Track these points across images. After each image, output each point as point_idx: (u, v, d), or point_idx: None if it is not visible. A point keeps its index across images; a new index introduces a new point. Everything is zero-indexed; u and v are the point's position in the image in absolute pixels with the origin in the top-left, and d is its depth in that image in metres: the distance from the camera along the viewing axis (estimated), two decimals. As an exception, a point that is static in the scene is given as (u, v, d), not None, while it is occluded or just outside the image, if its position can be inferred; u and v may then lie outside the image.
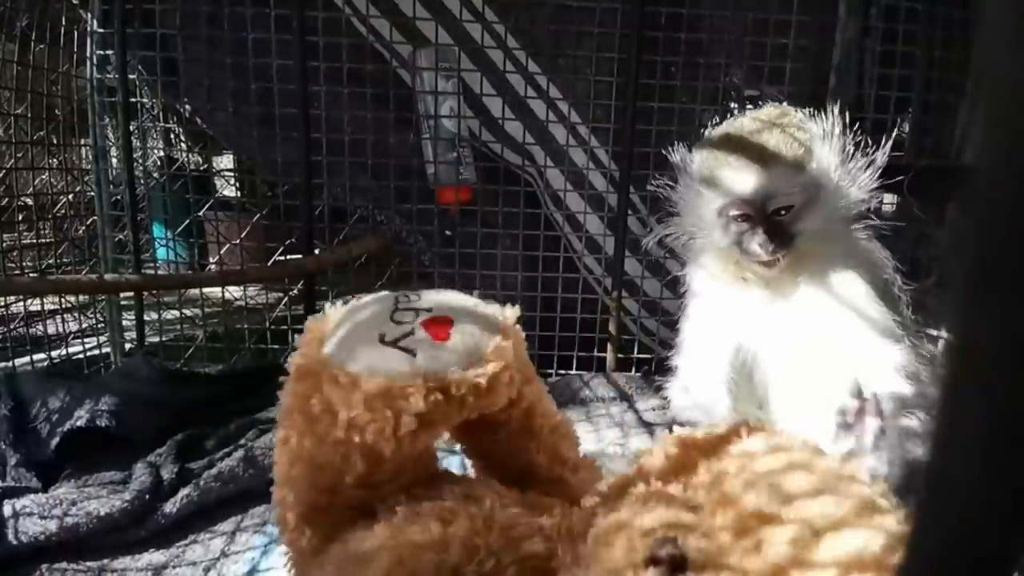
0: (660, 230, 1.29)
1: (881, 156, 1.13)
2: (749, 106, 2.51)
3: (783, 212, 1.09)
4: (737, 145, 1.12)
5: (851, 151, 1.13)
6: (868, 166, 1.13)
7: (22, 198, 2.07)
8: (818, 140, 1.11)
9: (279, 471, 0.75)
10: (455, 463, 1.53)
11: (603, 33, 2.08)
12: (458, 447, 1.57)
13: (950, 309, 0.23)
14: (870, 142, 1.14)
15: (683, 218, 1.23)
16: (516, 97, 2.18)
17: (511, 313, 0.79)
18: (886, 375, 0.99)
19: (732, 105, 2.40)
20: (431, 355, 0.67)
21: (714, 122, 1.22)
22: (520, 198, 2.19)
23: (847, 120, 1.14)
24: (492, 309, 0.77)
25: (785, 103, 1.22)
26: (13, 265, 1.98)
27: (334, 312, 0.76)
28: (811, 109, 1.18)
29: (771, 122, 1.12)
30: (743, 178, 1.10)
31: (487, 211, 2.23)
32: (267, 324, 2.30)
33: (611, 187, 2.22)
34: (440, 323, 0.70)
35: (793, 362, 1.10)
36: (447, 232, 2.22)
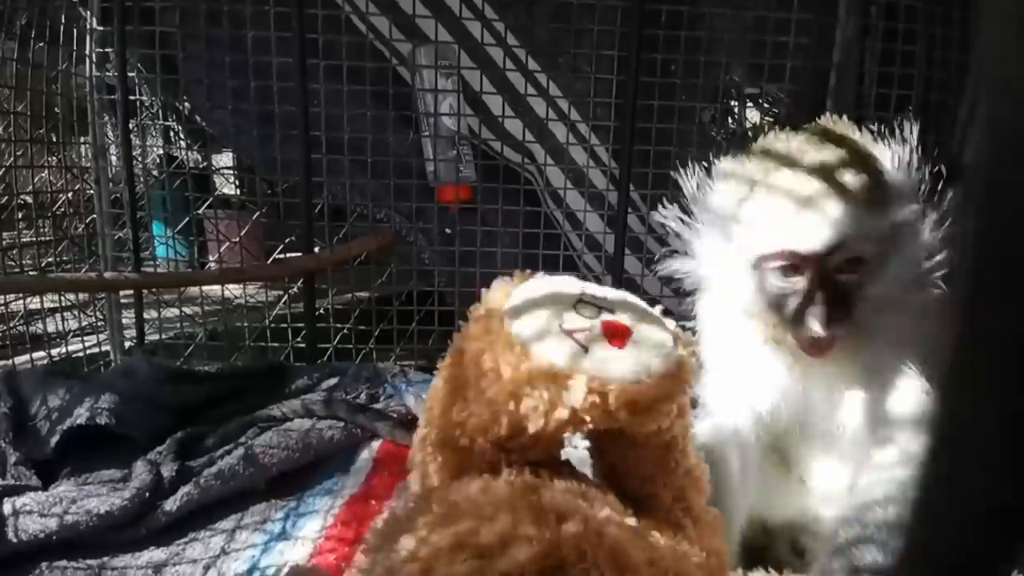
0: (664, 268, 1.01)
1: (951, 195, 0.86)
2: (749, 104, 2.53)
3: (852, 268, 0.80)
4: (788, 176, 0.82)
5: (926, 182, 0.86)
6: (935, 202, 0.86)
7: (21, 196, 2.07)
8: (895, 170, 0.85)
9: (430, 407, 0.82)
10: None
11: (603, 31, 2.08)
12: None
13: (949, 308, 0.23)
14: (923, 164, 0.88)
15: (698, 263, 0.95)
16: (516, 95, 2.18)
17: (689, 341, 0.77)
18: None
19: (732, 103, 2.40)
20: (602, 357, 0.69)
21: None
22: (520, 196, 2.19)
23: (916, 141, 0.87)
24: (672, 331, 0.76)
25: (830, 115, 0.98)
26: (12, 263, 1.98)
27: (521, 280, 0.85)
28: (876, 126, 0.91)
29: (832, 144, 0.84)
30: (802, 223, 0.80)
31: (487, 209, 2.23)
32: (267, 322, 2.30)
33: (611, 185, 2.22)
34: (619, 330, 0.71)
35: (820, 437, 0.90)
36: (447, 230, 2.21)
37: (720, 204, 0.91)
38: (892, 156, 0.86)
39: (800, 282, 0.82)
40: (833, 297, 0.79)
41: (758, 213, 0.85)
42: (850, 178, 0.81)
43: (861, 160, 0.82)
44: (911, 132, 0.88)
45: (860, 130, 0.91)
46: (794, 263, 0.82)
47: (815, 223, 0.79)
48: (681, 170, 0.99)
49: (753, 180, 0.86)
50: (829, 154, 0.83)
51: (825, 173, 0.80)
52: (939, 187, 0.87)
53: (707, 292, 0.97)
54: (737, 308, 0.91)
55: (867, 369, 0.83)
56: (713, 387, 0.93)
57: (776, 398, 0.89)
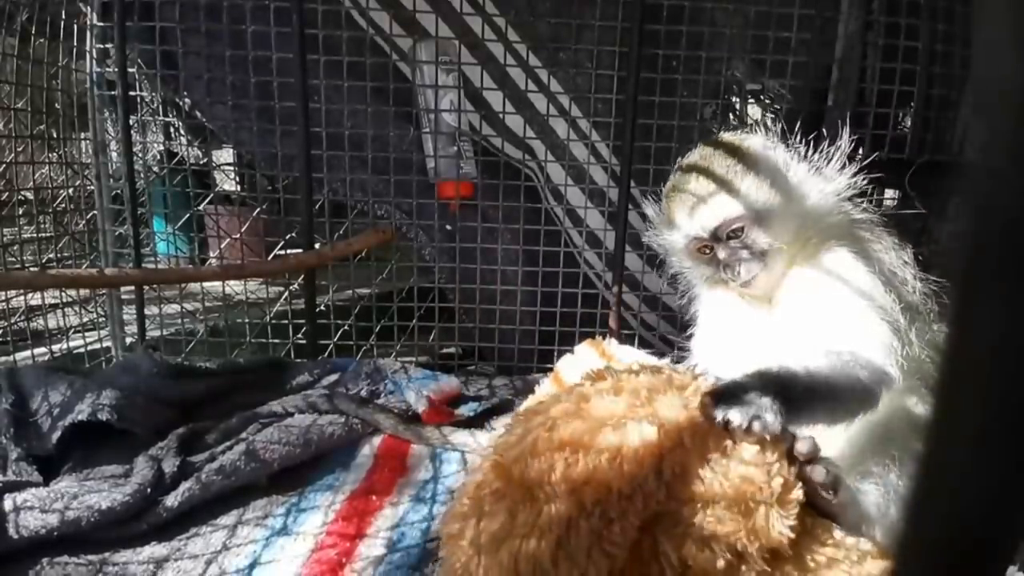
0: (666, 273, 1.37)
1: (846, 142, 1.17)
2: (750, 100, 2.53)
3: (738, 234, 1.15)
4: (680, 187, 1.21)
5: (803, 153, 1.19)
6: (830, 160, 1.17)
7: (22, 192, 2.07)
8: (755, 158, 1.16)
9: None
10: (455, 458, 1.54)
11: (604, 26, 2.07)
12: (457, 443, 1.58)
13: (949, 303, 0.23)
14: (824, 134, 1.19)
15: (672, 260, 1.32)
16: (517, 91, 2.17)
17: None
18: (870, 354, 1.01)
19: (734, 99, 2.40)
20: None
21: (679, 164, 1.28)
22: (520, 192, 2.19)
23: (794, 124, 1.20)
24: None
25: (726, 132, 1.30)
26: (13, 259, 1.99)
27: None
28: (752, 124, 1.22)
29: (705, 158, 1.21)
30: (689, 216, 1.18)
31: (487, 205, 2.23)
32: (268, 318, 2.30)
33: (612, 181, 2.22)
34: None
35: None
36: (447, 227, 2.21)
37: (661, 220, 1.27)
38: (756, 148, 1.17)
39: (713, 255, 1.19)
40: (732, 255, 1.15)
41: (673, 219, 1.21)
42: (714, 177, 1.16)
43: (723, 163, 1.17)
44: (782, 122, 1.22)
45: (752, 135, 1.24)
46: (702, 245, 1.19)
47: (695, 213, 1.17)
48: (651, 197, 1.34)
49: (668, 198, 1.23)
50: (705, 164, 1.19)
51: (697, 179, 1.18)
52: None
53: (690, 279, 1.32)
54: (703, 279, 1.27)
55: (797, 280, 1.15)
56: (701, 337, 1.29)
57: (756, 335, 1.19)
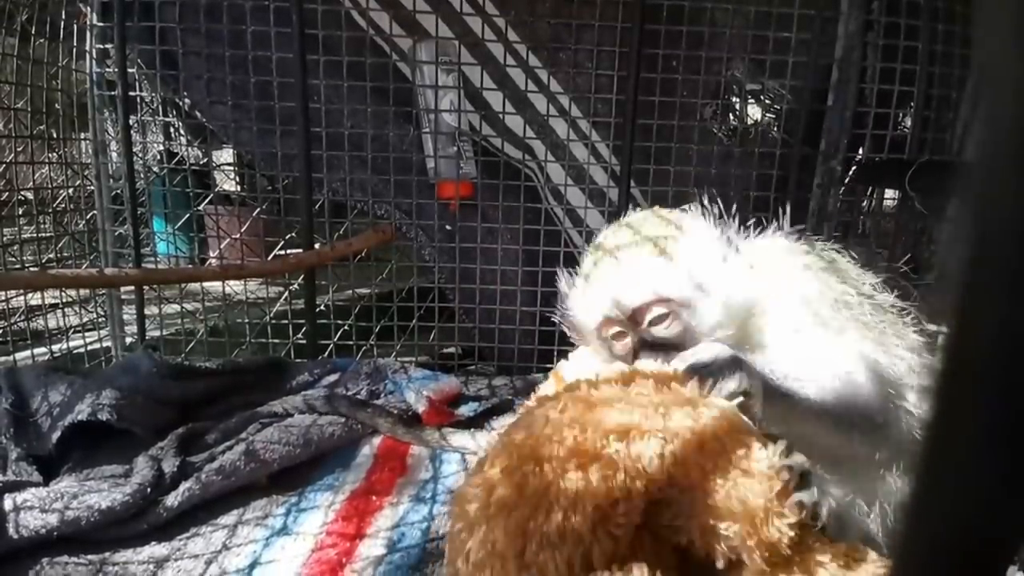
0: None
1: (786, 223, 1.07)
2: (750, 100, 2.52)
3: (659, 322, 1.01)
4: (602, 258, 1.08)
5: (732, 237, 1.06)
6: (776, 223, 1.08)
7: (22, 192, 2.07)
8: (692, 237, 1.05)
9: None
10: (455, 458, 1.54)
11: (604, 26, 2.07)
12: (456, 445, 1.58)
13: (947, 303, 0.23)
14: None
15: (576, 341, 1.18)
16: (516, 91, 2.17)
17: None
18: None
19: (734, 99, 2.40)
20: None
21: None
22: (520, 192, 2.19)
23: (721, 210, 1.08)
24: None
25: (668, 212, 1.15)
26: (13, 259, 1.99)
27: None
28: (684, 206, 1.13)
29: (632, 236, 1.07)
30: (611, 293, 1.03)
31: (487, 205, 2.23)
32: (268, 318, 2.30)
33: (612, 181, 2.22)
34: None
35: None
36: (447, 227, 2.21)
37: (575, 294, 1.13)
38: (686, 230, 1.06)
39: (627, 343, 1.05)
40: (651, 345, 1.02)
41: (588, 296, 1.08)
42: (651, 257, 1.03)
43: (653, 242, 1.04)
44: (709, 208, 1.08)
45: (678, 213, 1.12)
46: (618, 329, 1.04)
47: (614, 294, 1.03)
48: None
49: (586, 274, 1.10)
50: (630, 243, 1.06)
51: (634, 257, 1.04)
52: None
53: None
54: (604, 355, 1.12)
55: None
56: None
57: None
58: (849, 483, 0.95)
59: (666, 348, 1.00)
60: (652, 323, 1.02)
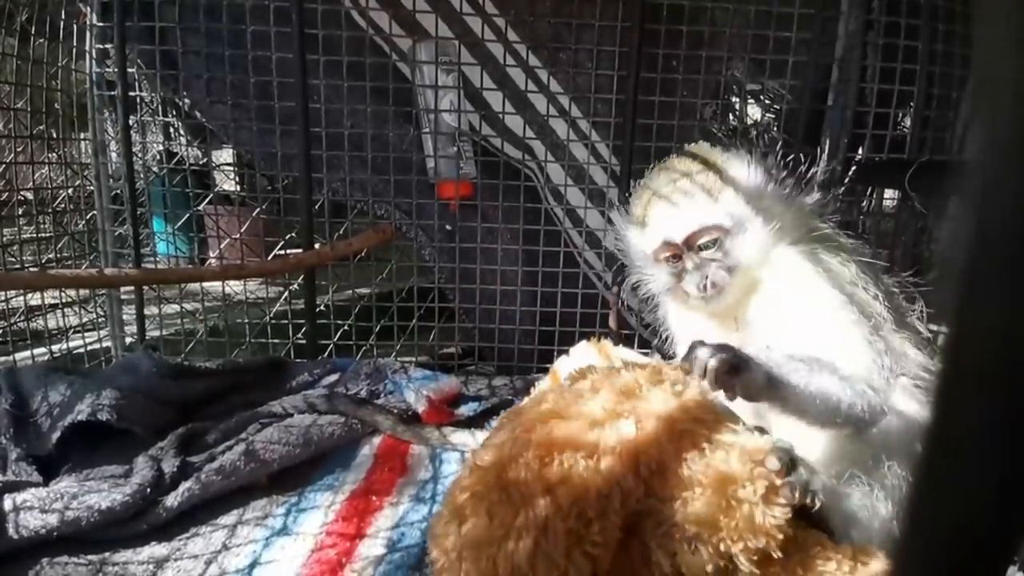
0: (627, 283, 1.36)
1: (820, 171, 1.16)
2: (750, 100, 2.52)
3: (709, 246, 1.14)
4: (657, 189, 1.20)
5: (775, 175, 1.17)
6: (802, 183, 1.17)
7: (22, 192, 2.07)
8: (730, 174, 1.16)
9: None
10: (455, 458, 1.54)
11: (604, 26, 2.07)
12: (457, 443, 1.58)
13: (948, 302, 0.23)
14: (804, 159, 1.18)
15: (635, 267, 1.30)
16: (516, 91, 2.17)
17: None
18: (854, 369, 1.00)
19: (734, 99, 2.40)
20: None
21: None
22: (520, 193, 2.19)
23: (771, 145, 1.17)
24: None
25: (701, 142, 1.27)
26: (13, 259, 1.98)
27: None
28: (729, 142, 1.24)
29: (686, 164, 1.20)
30: (665, 219, 1.16)
31: (487, 205, 2.23)
32: (268, 318, 2.30)
33: (612, 181, 2.22)
34: None
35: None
36: (447, 226, 2.21)
37: (630, 223, 1.26)
38: (733, 164, 1.17)
39: (679, 264, 1.17)
40: (700, 266, 1.14)
41: (644, 223, 1.20)
42: (691, 187, 1.16)
43: (701, 174, 1.16)
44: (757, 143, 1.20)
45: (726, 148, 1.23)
46: (671, 252, 1.16)
47: (669, 219, 1.15)
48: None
49: (640, 202, 1.23)
50: (681, 173, 1.18)
51: (694, 180, 1.16)
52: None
53: (653, 290, 1.29)
54: (666, 291, 1.24)
55: (762, 300, 1.14)
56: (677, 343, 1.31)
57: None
58: (847, 473, 0.96)
59: (711, 270, 1.13)
60: (702, 247, 1.14)
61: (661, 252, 1.18)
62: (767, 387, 0.92)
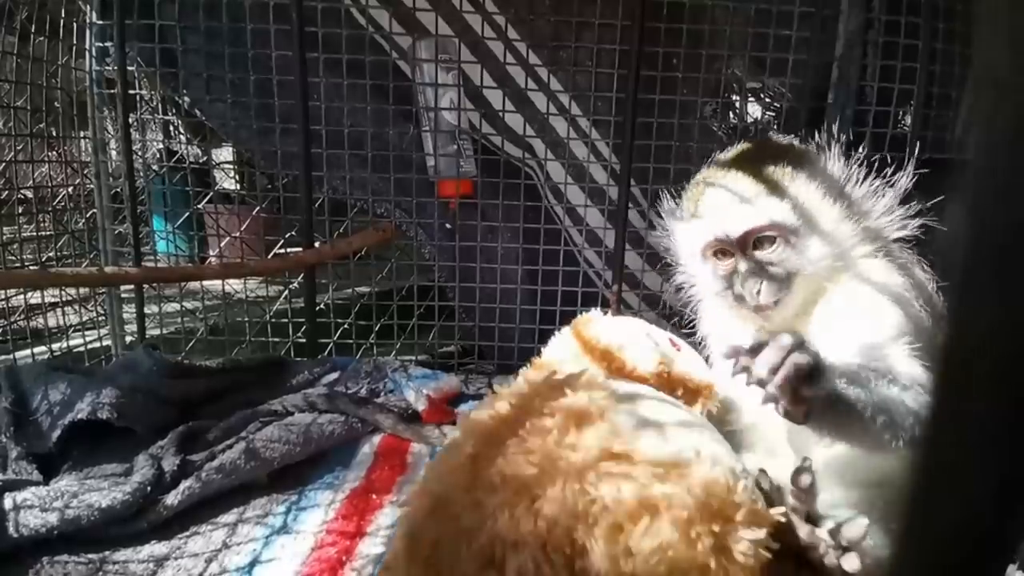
0: (672, 282, 1.25)
1: (905, 179, 1.01)
2: (750, 98, 2.52)
3: (767, 247, 1.01)
4: (712, 179, 1.07)
5: (854, 177, 1.03)
6: (882, 190, 1.02)
7: (22, 191, 2.07)
8: (808, 163, 1.03)
9: None
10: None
11: (604, 24, 2.07)
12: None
13: (946, 301, 0.23)
14: (889, 161, 1.05)
15: (681, 265, 1.18)
16: (516, 89, 2.17)
17: None
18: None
19: (734, 97, 2.39)
20: None
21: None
22: (520, 191, 2.19)
23: (850, 141, 1.05)
24: None
25: (774, 132, 1.18)
26: (13, 258, 1.98)
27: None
28: (803, 132, 1.11)
29: (747, 154, 1.07)
30: (718, 211, 1.03)
31: (487, 204, 2.23)
32: (268, 317, 2.30)
33: (612, 180, 2.22)
34: None
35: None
36: (447, 225, 2.21)
37: (681, 215, 1.14)
38: (805, 161, 1.04)
39: (734, 264, 1.04)
40: (756, 269, 1.00)
41: (698, 215, 1.07)
42: (756, 181, 1.02)
43: (767, 168, 1.02)
44: (836, 138, 1.06)
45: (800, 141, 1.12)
46: (724, 248, 1.04)
47: (726, 213, 1.01)
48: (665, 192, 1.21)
49: (695, 193, 1.09)
50: (744, 166, 1.05)
51: (754, 171, 1.02)
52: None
53: (696, 292, 1.20)
54: (712, 296, 1.12)
55: (821, 320, 1.01)
56: (715, 354, 1.17)
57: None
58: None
59: (767, 275, 1.00)
60: (758, 246, 1.02)
61: (710, 248, 1.05)
62: (830, 405, 0.78)
